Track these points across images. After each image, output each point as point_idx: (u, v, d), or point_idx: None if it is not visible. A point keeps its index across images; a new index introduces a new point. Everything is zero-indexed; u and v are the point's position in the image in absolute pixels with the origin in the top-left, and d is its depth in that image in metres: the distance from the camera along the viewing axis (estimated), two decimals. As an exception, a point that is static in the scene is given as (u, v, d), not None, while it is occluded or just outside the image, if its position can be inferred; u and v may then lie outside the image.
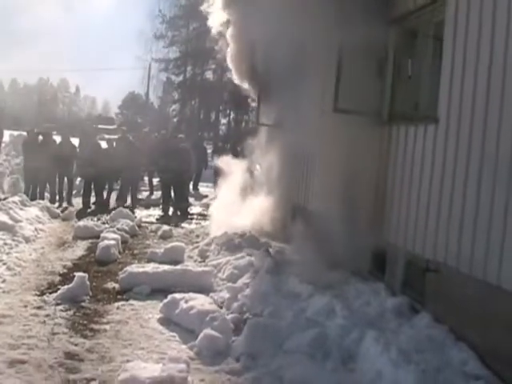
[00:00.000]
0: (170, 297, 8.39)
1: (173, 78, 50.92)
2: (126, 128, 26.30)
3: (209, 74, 47.15)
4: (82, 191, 19.31)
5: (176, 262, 10.95)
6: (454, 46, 7.55)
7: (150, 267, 9.98)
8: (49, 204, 16.81)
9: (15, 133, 30.57)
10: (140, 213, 18.00)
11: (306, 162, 12.68)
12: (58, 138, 20.78)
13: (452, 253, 7.27)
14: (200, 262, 11.54)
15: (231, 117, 53.81)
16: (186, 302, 8.19)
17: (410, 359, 6.20)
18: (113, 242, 11.88)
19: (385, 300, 8.19)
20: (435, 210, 7.75)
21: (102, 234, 12.65)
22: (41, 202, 16.61)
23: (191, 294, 8.51)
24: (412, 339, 6.77)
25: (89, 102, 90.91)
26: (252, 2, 11.57)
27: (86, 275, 9.08)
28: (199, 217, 17.98)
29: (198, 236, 14.27)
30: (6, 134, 28.53)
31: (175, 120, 51.09)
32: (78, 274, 9.01)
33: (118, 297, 9.05)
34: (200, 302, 8.26)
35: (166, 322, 7.96)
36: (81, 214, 16.73)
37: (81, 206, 18.46)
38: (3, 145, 26.89)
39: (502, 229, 6.35)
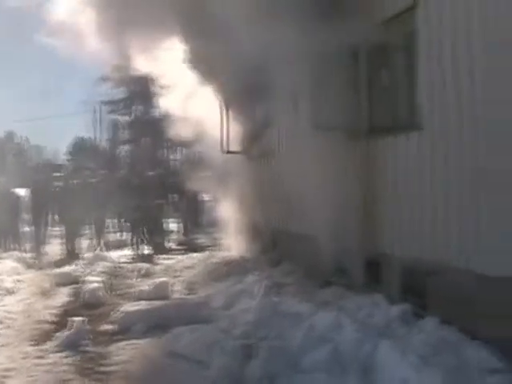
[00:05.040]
0: (173, 330, 8.31)
1: (121, 118, 50.67)
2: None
3: (157, 112, 46.99)
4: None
5: (164, 298, 10.86)
6: (430, 52, 7.72)
7: (145, 305, 9.89)
8: (23, 254, 16.60)
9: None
10: (113, 254, 17.80)
11: (284, 184, 12.65)
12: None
13: (452, 252, 7.37)
14: (189, 294, 11.45)
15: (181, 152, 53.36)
16: (191, 333, 8.12)
17: (429, 362, 6.25)
18: (98, 284, 11.76)
19: (387, 309, 8.19)
20: (429, 214, 7.87)
21: (85, 278, 12.55)
22: (14, 253, 16.41)
23: (194, 326, 8.44)
24: (426, 343, 6.79)
25: (37, 151, 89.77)
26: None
27: (84, 319, 8.96)
28: (174, 252, 17.88)
29: (178, 270, 14.17)
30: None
31: (127, 161, 50.76)
32: (76, 319, 8.87)
33: (119, 337, 8.90)
34: (204, 332, 8.21)
35: (174, 355, 7.82)
36: (57, 262, 16.49)
37: (54, 253, 18.26)
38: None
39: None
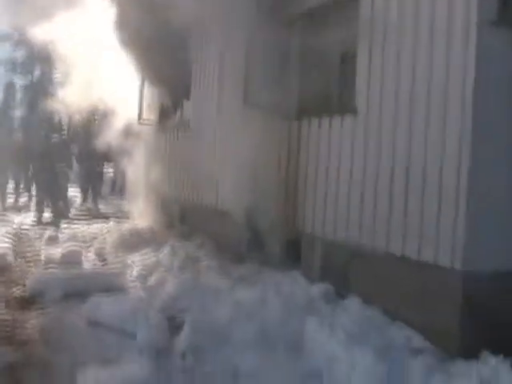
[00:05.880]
0: (92, 298, 8.14)
1: (19, 80, 49.02)
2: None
3: (59, 77, 45.69)
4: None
5: (75, 265, 10.63)
6: (372, 37, 7.78)
7: (59, 272, 9.67)
8: None
9: None
10: (14, 218, 17.22)
11: (200, 157, 12.53)
12: None
13: (379, 235, 7.52)
14: (100, 264, 11.25)
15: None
16: (110, 303, 7.99)
17: (358, 340, 6.36)
18: (7, 248, 11.39)
19: (308, 287, 8.30)
20: (357, 198, 7.99)
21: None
22: None
23: (113, 295, 8.32)
24: (352, 322, 6.93)
25: None
26: None
27: (-4, 283, 8.69)
28: (78, 219, 17.50)
29: (85, 238, 13.89)
30: None
31: (25, 124, 49.37)
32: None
33: (32, 304, 8.63)
34: (124, 302, 8.11)
35: (96, 324, 7.66)
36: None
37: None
38: None
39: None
